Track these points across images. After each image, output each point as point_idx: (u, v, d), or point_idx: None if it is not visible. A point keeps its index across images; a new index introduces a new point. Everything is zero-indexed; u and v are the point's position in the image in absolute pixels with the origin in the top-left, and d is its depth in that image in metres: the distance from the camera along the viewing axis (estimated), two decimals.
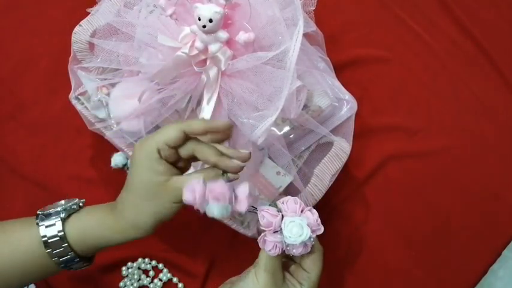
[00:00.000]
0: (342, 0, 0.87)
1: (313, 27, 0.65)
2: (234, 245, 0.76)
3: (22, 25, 0.83)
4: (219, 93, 0.61)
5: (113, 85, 0.69)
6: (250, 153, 0.52)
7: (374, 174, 0.78)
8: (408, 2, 0.87)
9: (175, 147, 0.50)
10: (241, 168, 0.50)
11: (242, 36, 0.55)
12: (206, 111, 0.62)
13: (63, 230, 0.51)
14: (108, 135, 0.68)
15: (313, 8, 0.67)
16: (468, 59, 0.84)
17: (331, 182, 0.66)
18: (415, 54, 0.84)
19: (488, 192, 0.78)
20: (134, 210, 0.51)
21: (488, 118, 0.81)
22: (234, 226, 0.67)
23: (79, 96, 0.69)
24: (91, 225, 0.53)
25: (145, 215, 0.51)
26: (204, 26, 0.53)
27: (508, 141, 0.80)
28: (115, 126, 0.68)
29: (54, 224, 0.51)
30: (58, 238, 0.51)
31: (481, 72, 0.84)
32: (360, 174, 0.78)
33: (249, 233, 0.67)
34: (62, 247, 0.51)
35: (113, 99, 0.68)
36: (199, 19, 0.53)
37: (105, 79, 0.68)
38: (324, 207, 0.75)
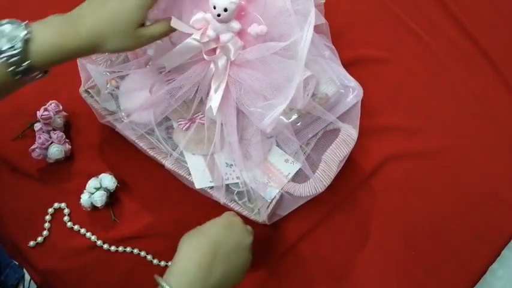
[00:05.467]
0: (342, 1, 0.87)
1: (322, 20, 0.66)
2: None
3: None
4: (227, 83, 0.62)
5: (122, 78, 0.70)
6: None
7: (374, 174, 0.79)
8: (408, 2, 0.87)
9: None
10: None
11: (255, 29, 0.56)
12: (214, 100, 0.63)
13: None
14: (119, 127, 0.69)
15: (323, 1, 0.68)
16: (468, 59, 0.85)
17: (340, 168, 0.67)
18: (415, 54, 0.85)
19: (488, 192, 0.78)
20: (90, 14, 0.53)
21: (488, 118, 0.82)
22: (245, 213, 0.68)
23: (89, 90, 0.70)
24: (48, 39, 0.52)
25: (101, 19, 0.52)
26: (219, 15, 0.54)
27: (507, 141, 0.81)
28: (125, 118, 0.69)
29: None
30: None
31: (480, 72, 0.84)
32: (360, 175, 0.79)
33: (260, 219, 0.68)
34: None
35: (123, 92, 0.69)
36: (215, 7, 0.54)
37: (114, 72, 0.69)
38: (323, 207, 0.76)
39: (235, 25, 0.56)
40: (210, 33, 0.57)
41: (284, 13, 0.56)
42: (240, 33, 0.58)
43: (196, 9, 0.58)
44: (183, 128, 0.69)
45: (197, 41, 0.58)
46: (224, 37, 0.56)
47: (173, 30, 0.57)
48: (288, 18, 0.56)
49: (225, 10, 0.53)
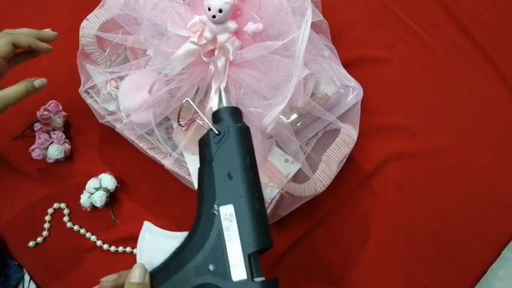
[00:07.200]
0: (342, 1, 0.87)
1: (320, 17, 0.66)
2: None
3: (23, 25, 0.83)
4: (227, 83, 0.62)
5: (121, 78, 0.69)
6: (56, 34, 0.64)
7: (374, 174, 0.79)
8: (408, 2, 0.87)
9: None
10: (49, 49, 0.63)
11: (251, 27, 0.56)
12: (214, 100, 0.63)
13: None
14: (119, 127, 0.69)
15: None
16: (468, 59, 0.85)
17: (339, 168, 0.67)
18: (415, 54, 0.85)
19: (488, 192, 0.79)
20: None
21: (488, 118, 0.82)
22: None
23: (88, 90, 0.70)
24: None
25: None
26: (214, 16, 0.54)
27: (507, 141, 0.81)
28: (125, 118, 0.69)
29: None
30: None
31: (480, 72, 0.84)
32: (360, 175, 0.79)
33: None
34: None
35: (122, 92, 0.69)
36: (209, 9, 0.54)
37: (114, 72, 0.69)
38: (322, 207, 0.76)
39: (232, 25, 0.56)
40: (207, 34, 0.57)
41: (281, 11, 0.56)
42: (237, 33, 0.58)
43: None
44: (183, 128, 0.69)
45: (195, 44, 0.58)
46: (221, 38, 0.56)
47: (31, 94, 0.57)
48: (285, 17, 0.56)
49: (220, 11, 0.53)
